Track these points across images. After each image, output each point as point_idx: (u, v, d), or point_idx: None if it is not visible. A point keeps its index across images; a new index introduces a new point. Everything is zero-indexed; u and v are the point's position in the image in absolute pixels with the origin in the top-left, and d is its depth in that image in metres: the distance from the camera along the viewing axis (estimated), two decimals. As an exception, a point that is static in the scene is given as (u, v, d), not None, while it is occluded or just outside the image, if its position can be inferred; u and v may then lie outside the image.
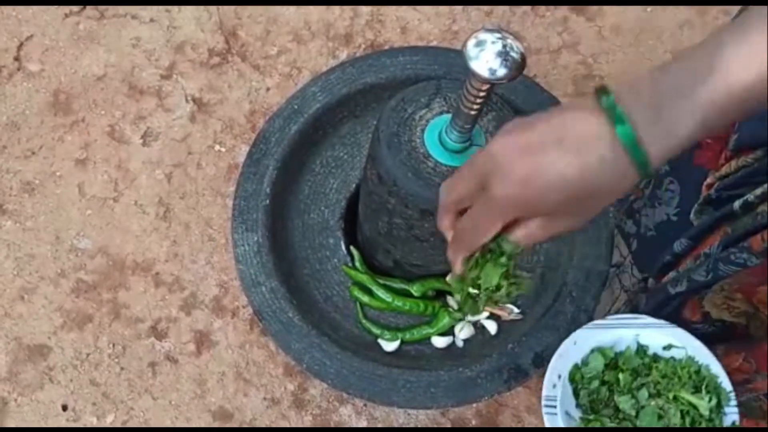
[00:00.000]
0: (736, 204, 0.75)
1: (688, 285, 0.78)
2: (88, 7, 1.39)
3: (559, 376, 0.74)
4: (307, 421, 1.17)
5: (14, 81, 1.33)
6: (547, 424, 0.70)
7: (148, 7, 1.39)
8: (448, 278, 1.01)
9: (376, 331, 1.01)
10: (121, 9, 1.39)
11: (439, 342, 1.01)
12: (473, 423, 1.18)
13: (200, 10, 1.39)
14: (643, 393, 0.72)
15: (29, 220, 1.26)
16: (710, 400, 0.72)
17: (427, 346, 1.02)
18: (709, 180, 0.85)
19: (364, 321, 1.02)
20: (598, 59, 1.39)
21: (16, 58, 1.35)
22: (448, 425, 1.18)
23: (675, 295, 0.81)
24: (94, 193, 1.28)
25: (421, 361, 0.99)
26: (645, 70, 0.49)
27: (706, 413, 0.72)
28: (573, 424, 0.72)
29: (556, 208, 0.51)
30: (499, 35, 0.63)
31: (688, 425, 0.70)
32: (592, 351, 0.76)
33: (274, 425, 1.17)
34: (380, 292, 1.01)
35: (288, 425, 1.17)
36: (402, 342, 1.01)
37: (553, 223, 0.54)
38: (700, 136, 0.49)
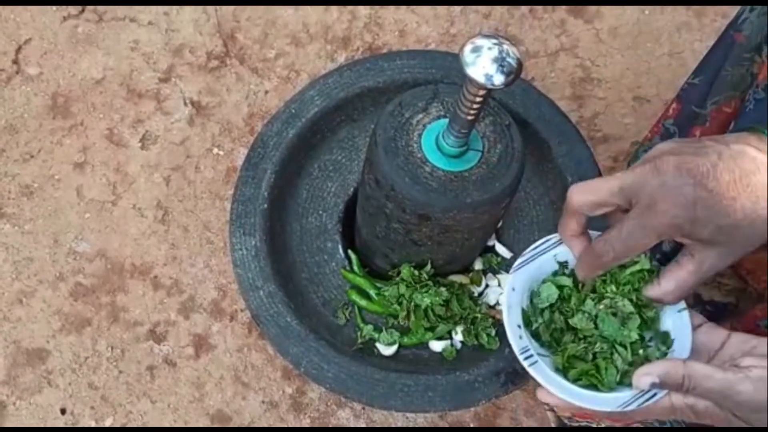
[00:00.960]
0: None
1: None
2: (86, 10, 1.39)
3: (519, 326, 0.73)
4: (306, 425, 1.17)
5: (12, 84, 1.33)
6: (538, 377, 0.68)
7: (147, 10, 1.39)
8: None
9: (374, 334, 1.01)
10: (120, 12, 1.39)
11: (437, 346, 1.01)
12: (471, 426, 1.18)
13: (198, 12, 1.39)
14: (588, 303, 0.71)
15: (28, 224, 1.26)
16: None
17: (425, 350, 1.02)
18: None
19: (362, 325, 1.02)
20: (596, 62, 1.39)
21: (15, 62, 1.35)
22: (447, 428, 1.18)
23: None
24: (92, 196, 1.28)
25: (418, 365, 0.99)
26: None
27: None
28: (549, 365, 0.70)
29: (716, 238, 0.51)
30: (495, 41, 0.63)
31: (640, 309, 0.69)
32: (530, 289, 0.74)
33: (272, 428, 1.17)
34: (378, 296, 1.01)
35: (286, 428, 1.17)
36: (400, 346, 1.01)
37: (703, 253, 0.53)
38: None
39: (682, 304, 0.66)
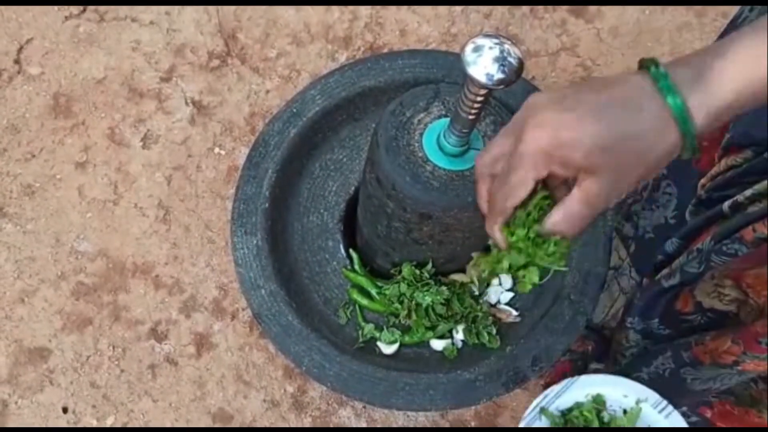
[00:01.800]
0: (725, 205, 0.75)
1: (681, 277, 0.78)
2: (87, 9, 1.39)
3: None
4: (307, 423, 1.18)
5: (14, 84, 1.34)
6: None
7: (148, 10, 1.39)
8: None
9: (375, 333, 1.01)
10: (121, 12, 1.39)
11: (438, 344, 1.01)
12: (472, 425, 1.18)
13: (200, 12, 1.39)
14: None
15: (29, 223, 1.26)
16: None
17: (426, 349, 1.02)
18: (703, 180, 0.86)
19: (363, 323, 1.02)
20: (597, 61, 1.39)
21: (17, 61, 1.35)
22: (447, 427, 1.18)
23: (668, 288, 0.81)
24: (94, 195, 1.28)
25: (419, 364, 1.00)
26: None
27: None
28: None
29: (592, 162, 0.50)
30: (496, 40, 0.63)
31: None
32: None
33: (273, 427, 1.17)
34: (379, 295, 1.01)
35: (287, 427, 1.18)
36: (401, 345, 1.01)
37: (583, 184, 0.51)
38: (741, 105, 0.49)
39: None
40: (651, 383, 0.88)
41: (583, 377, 0.86)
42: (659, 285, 0.83)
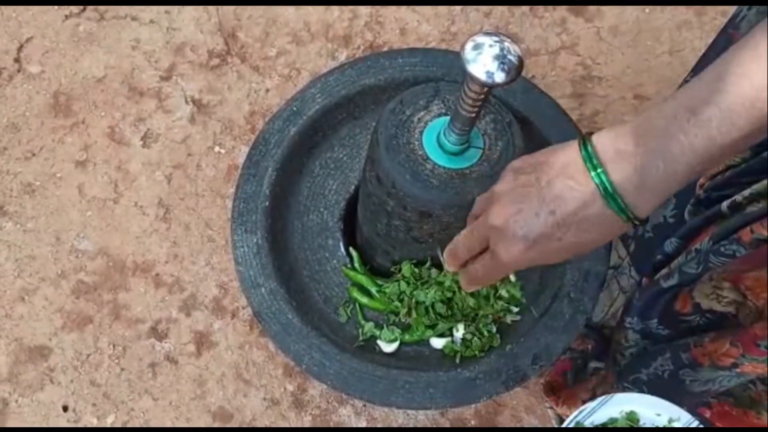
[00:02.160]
0: (724, 204, 0.75)
1: (680, 278, 0.78)
2: (87, 8, 1.39)
3: None
4: (307, 422, 1.18)
5: (14, 83, 1.34)
6: None
7: (148, 9, 1.39)
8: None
9: (375, 331, 1.01)
10: (121, 11, 1.39)
11: (438, 343, 1.01)
12: (472, 423, 1.18)
13: (200, 11, 1.40)
14: None
15: (30, 222, 1.26)
16: None
17: (426, 347, 1.02)
18: (701, 180, 0.86)
19: (363, 322, 1.02)
20: (597, 60, 1.39)
21: (17, 60, 1.35)
22: (447, 425, 1.18)
23: (667, 288, 0.82)
24: (94, 194, 1.28)
25: (419, 362, 1.00)
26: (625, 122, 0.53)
27: None
28: None
29: (556, 260, 0.57)
30: (496, 38, 0.63)
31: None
32: None
33: (273, 426, 1.18)
34: (379, 293, 1.02)
35: (288, 426, 1.18)
36: (401, 343, 1.01)
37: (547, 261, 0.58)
38: (685, 181, 0.51)
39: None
40: (650, 384, 0.89)
41: (619, 395, 0.88)
42: (658, 285, 0.83)
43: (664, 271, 0.85)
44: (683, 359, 0.81)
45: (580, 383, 1.08)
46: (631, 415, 0.87)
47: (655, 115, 0.50)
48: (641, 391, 0.90)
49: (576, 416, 0.87)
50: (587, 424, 0.87)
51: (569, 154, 0.53)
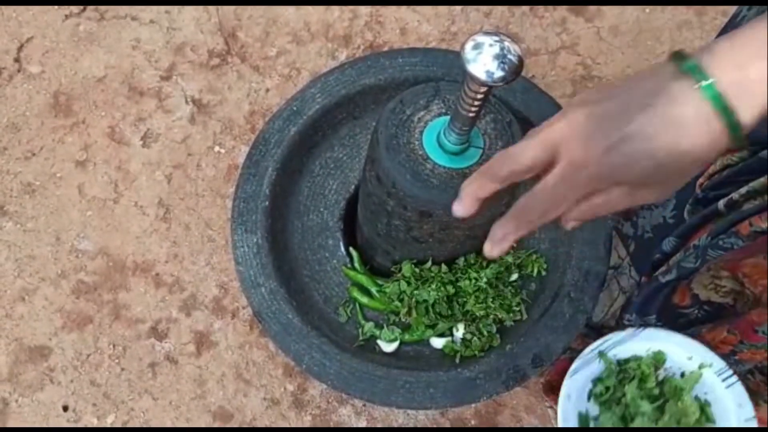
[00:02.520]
0: (721, 203, 0.75)
1: (678, 272, 0.79)
2: (88, 8, 1.39)
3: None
4: (307, 422, 1.18)
5: (14, 83, 1.34)
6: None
7: (148, 9, 1.39)
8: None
9: (375, 331, 1.01)
10: (121, 10, 1.39)
11: (438, 342, 1.01)
12: (472, 423, 1.18)
13: (200, 11, 1.40)
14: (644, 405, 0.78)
15: (30, 222, 1.26)
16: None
17: (426, 347, 1.02)
18: (700, 179, 0.86)
19: (363, 322, 1.02)
20: (597, 60, 1.39)
21: (17, 60, 1.35)
22: (448, 425, 1.18)
23: (665, 283, 0.81)
24: (94, 194, 1.28)
25: (419, 362, 1.00)
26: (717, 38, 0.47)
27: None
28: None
29: (641, 178, 0.49)
30: (496, 38, 0.63)
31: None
32: (586, 390, 0.83)
33: (274, 425, 1.17)
34: (379, 293, 1.02)
35: (288, 425, 1.18)
36: (401, 343, 1.01)
37: (637, 194, 0.50)
38: None
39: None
40: None
41: (649, 330, 0.82)
42: (656, 281, 0.83)
43: (663, 268, 0.85)
44: None
45: None
46: (658, 356, 0.81)
47: (751, 28, 0.45)
48: None
49: (600, 344, 0.81)
50: (610, 355, 0.82)
51: (658, 78, 0.47)
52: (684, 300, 0.82)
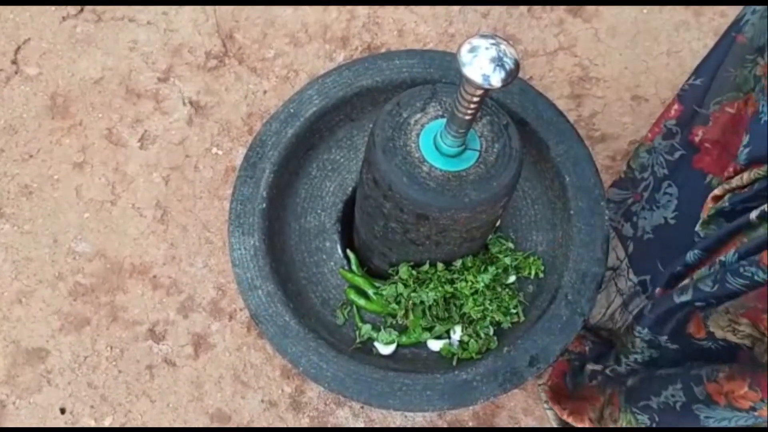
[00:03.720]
0: (753, 214, 0.75)
1: (693, 294, 0.78)
2: (85, 10, 1.39)
3: None
4: (305, 424, 1.18)
5: (12, 84, 1.33)
6: None
7: (145, 10, 1.39)
8: None
9: (372, 334, 1.01)
10: (119, 12, 1.39)
11: (435, 345, 1.01)
12: (470, 425, 1.18)
13: (197, 12, 1.39)
14: None
15: (27, 224, 1.26)
16: None
17: (423, 349, 1.02)
18: (716, 191, 0.85)
19: (360, 324, 1.02)
20: (595, 61, 1.39)
21: (14, 62, 1.35)
22: (445, 426, 1.18)
23: (679, 305, 0.81)
24: (91, 196, 1.28)
25: (417, 364, 1.00)
26: None
27: None
28: None
29: None
30: (493, 41, 0.63)
31: None
32: None
33: (271, 427, 1.17)
34: (376, 295, 1.01)
35: (285, 427, 1.18)
36: (398, 345, 1.01)
37: None
38: None
39: None
40: (660, 413, 0.87)
41: None
42: (671, 300, 0.82)
43: (682, 283, 0.84)
44: (696, 393, 0.80)
45: (587, 396, 1.07)
46: None
47: None
48: (651, 419, 0.88)
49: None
50: None
51: None
52: (699, 333, 0.82)
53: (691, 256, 0.85)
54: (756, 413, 0.74)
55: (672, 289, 0.88)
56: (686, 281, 0.83)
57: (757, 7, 0.84)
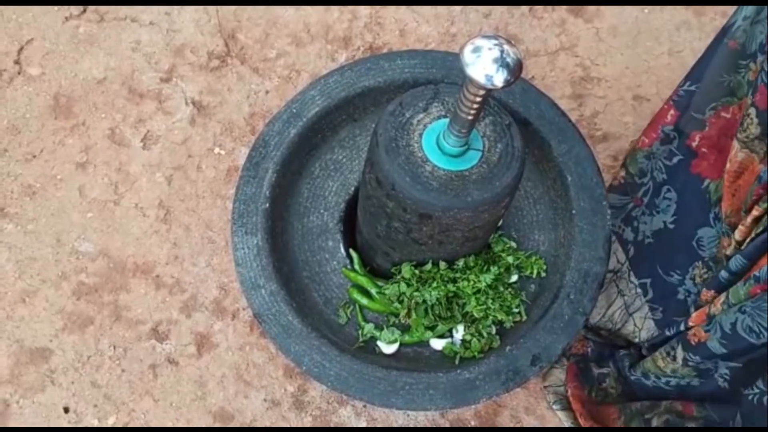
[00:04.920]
0: None
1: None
2: (88, 10, 1.39)
3: None
4: (307, 423, 1.18)
5: (15, 85, 1.34)
6: None
7: (148, 11, 1.39)
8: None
9: (375, 333, 1.01)
10: (121, 12, 1.39)
11: (438, 344, 1.02)
12: (472, 424, 1.18)
13: (199, 12, 1.40)
14: None
15: (30, 223, 1.26)
16: None
17: (426, 348, 1.03)
18: (725, 203, 0.85)
19: (363, 323, 1.02)
20: (596, 61, 1.39)
21: (17, 62, 1.36)
22: (447, 425, 1.18)
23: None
24: (94, 196, 1.28)
25: (419, 363, 1.00)
26: None
27: None
28: None
29: None
30: (495, 41, 0.64)
31: None
32: None
33: (274, 426, 1.18)
34: (379, 295, 1.02)
35: (288, 426, 1.18)
36: (401, 344, 1.02)
37: None
38: None
39: None
40: None
41: None
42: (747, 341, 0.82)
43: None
44: None
45: (608, 414, 1.07)
46: None
47: None
48: None
49: None
50: None
51: None
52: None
53: (734, 262, 0.86)
54: None
55: (718, 294, 0.88)
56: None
57: (747, 12, 0.85)
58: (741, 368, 0.87)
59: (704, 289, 0.92)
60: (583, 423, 1.09)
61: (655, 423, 0.95)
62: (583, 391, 1.11)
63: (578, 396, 1.11)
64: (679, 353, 0.91)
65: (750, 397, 0.88)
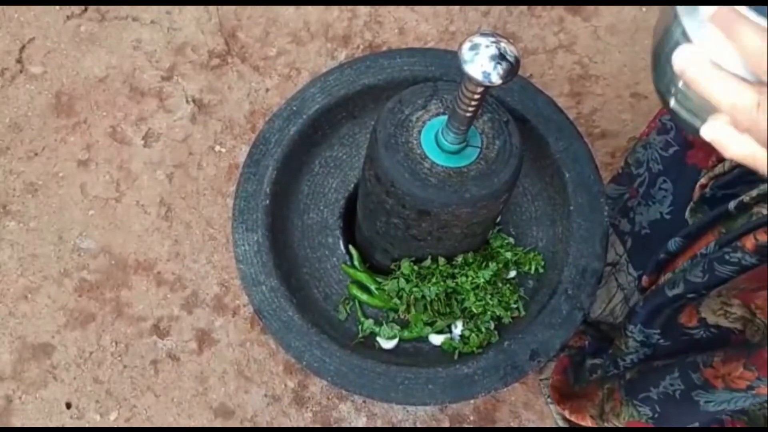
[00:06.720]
0: (731, 204, 0.76)
1: (685, 287, 0.79)
2: (89, 9, 1.40)
3: None
4: (308, 418, 1.19)
5: (17, 83, 1.35)
6: None
7: (149, 9, 1.40)
8: None
9: (374, 328, 1.02)
10: (122, 11, 1.40)
11: (437, 339, 1.03)
12: (471, 419, 1.19)
13: (200, 11, 1.41)
14: None
15: (32, 221, 1.27)
16: None
17: (425, 344, 1.03)
18: (702, 180, 0.86)
19: (362, 319, 1.03)
20: (594, 59, 1.40)
21: (19, 61, 1.36)
22: (446, 421, 1.19)
23: (672, 298, 0.82)
24: (96, 193, 1.29)
25: (418, 358, 1.01)
26: None
27: None
28: None
29: None
30: (493, 39, 0.64)
31: None
32: None
33: (274, 422, 1.19)
34: (378, 291, 1.03)
35: (288, 422, 1.19)
36: (400, 339, 1.03)
37: None
38: None
39: None
40: (661, 403, 0.88)
41: None
42: (663, 294, 0.83)
43: (669, 275, 0.85)
44: (694, 379, 0.81)
45: (587, 392, 1.08)
46: None
47: None
48: (652, 410, 0.89)
49: None
50: None
51: None
52: (691, 321, 0.82)
53: (672, 244, 0.86)
54: (754, 392, 0.75)
55: (658, 278, 0.89)
56: (673, 273, 0.84)
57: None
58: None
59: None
60: (561, 410, 1.11)
61: (628, 376, 0.96)
62: (566, 383, 1.12)
63: (558, 388, 1.13)
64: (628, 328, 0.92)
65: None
